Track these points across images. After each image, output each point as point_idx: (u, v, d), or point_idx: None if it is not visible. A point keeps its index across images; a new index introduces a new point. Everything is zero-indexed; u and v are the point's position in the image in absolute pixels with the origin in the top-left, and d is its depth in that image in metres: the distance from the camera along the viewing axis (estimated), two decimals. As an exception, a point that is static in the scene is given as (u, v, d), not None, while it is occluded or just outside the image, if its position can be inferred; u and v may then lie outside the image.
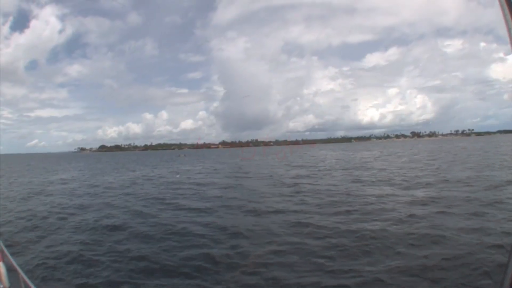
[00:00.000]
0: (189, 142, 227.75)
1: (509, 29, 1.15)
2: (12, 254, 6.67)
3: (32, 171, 38.50)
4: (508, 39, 1.16)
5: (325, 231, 8.01)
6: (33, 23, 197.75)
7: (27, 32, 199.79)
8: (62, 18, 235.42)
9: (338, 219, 9.16)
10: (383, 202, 11.53)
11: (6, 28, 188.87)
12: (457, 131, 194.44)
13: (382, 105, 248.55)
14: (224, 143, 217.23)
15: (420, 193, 13.13)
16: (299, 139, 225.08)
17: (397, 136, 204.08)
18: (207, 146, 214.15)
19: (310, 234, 7.78)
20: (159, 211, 11.43)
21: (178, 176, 25.87)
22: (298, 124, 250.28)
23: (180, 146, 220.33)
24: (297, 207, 11.19)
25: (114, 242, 7.95)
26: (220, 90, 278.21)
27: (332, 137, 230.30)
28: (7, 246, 2.51)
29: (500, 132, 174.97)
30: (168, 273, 5.99)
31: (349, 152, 59.34)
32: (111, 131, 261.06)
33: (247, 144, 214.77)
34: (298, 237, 7.66)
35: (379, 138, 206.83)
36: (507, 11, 1.14)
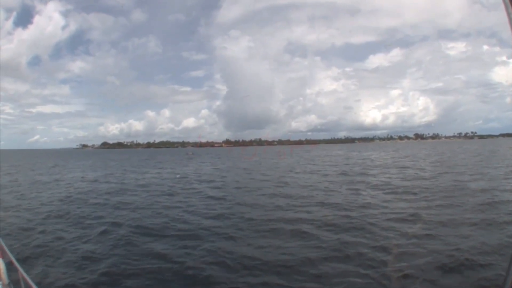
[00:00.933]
0: (191, 140, 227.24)
1: None
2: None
3: (51, 169, 36.19)
4: (511, 40, 1.16)
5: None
6: (37, 19, 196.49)
7: (30, 27, 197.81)
8: (65, 14, 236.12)
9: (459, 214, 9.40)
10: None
11: (9, 24, 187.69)
12: (460, 133, 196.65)
13: (384, 106, 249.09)
14: (227, 142, 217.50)
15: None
16: (302, 138, 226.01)
17: (400, 138, 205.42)
18: (210, 144, 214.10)
19: (433, 228, 7.90)
20: (246, 213, 10.43)
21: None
22: (301, 124, 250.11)
23: (183, 144, 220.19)
24: (381, 202, 11.36)
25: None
26: (222, 88, 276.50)
27: (335, 137, 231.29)
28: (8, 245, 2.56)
29: (502, 135, 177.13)
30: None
31: (364, 153, 59.31)
32: (113, 128, 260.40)
33: (251, 143, 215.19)
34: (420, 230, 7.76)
35: (382, 139, 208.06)
36: (511, 10, 1.13)
